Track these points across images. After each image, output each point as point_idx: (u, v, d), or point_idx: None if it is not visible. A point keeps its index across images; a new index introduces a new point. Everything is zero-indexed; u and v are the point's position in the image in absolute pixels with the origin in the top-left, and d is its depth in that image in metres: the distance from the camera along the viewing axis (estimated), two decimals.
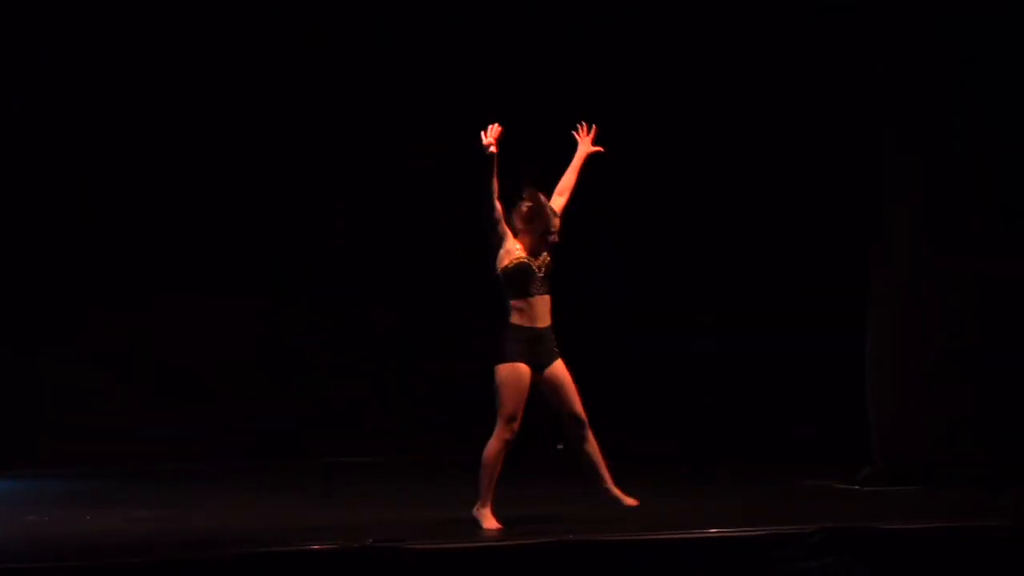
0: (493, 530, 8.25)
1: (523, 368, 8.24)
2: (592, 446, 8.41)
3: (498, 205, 8.19)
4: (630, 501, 8.43)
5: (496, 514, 8.28)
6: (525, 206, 8.26)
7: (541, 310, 8.24)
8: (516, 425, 8.26)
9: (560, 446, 11.35)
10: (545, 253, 8.25)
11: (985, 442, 10.26)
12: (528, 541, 7.67)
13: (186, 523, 9.08)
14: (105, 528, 8.98)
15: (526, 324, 8.22)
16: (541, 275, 8.20)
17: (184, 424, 12.25)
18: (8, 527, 9.07)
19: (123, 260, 12.33)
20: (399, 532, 8.04)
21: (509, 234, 8.27)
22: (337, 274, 12.64)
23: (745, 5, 11.89)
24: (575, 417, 8.36)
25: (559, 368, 8.32)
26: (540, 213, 8.25)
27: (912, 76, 10.71)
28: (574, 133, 8.57)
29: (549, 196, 8.40)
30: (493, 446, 8.28)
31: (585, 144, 8.55)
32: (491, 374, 8.22)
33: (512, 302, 8.24)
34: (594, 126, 8.61)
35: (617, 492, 8.42)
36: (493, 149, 8.09)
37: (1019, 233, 10.46)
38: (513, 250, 8.30)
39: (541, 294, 8.23)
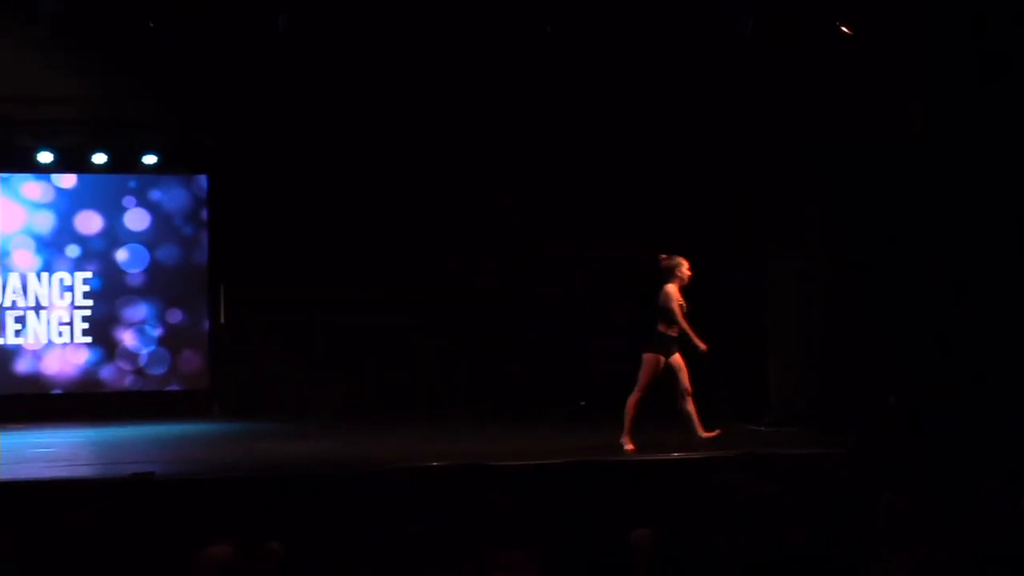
0: (631, 451, 8.92)
1: (661, 358, 9.12)
2: (688, 407, 9.05)
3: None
4: (708, 434, 8.98)
5: (633, 440, 8.97)
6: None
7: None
8: (647, 388, 9.09)
9: (583, 403, 11.89)
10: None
11: (839, 398, 10.40)
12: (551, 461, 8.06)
13: (353, 450, 9.61)
14: (307, 452, 9.54)
15: (670, 333, 9.13)
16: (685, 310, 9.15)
17: (337, 383, 12.11)
18: (248, 451, 9.76)
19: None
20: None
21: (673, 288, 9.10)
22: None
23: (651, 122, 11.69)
24: (681, 388, 9.09)
25: (677, 358, 9.14)
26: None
27: (789, 187, 11.01)
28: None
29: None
30: (633, 398, 9.12)
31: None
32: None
33: (665, 320, 9.10)
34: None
35: (703, 435, 9.01)
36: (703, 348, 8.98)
37: (860, 267, 10.73)
38: (674, 295, 9.09)
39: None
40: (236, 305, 12.43)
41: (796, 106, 10.68)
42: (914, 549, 4.73)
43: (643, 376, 9.17)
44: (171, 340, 12.76)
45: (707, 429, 9.15)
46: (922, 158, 10.39)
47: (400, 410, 11.84)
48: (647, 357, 9.17)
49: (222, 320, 12.49)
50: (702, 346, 9.07)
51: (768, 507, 4.93)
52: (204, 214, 12.79)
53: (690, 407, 9.12)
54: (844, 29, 10.01)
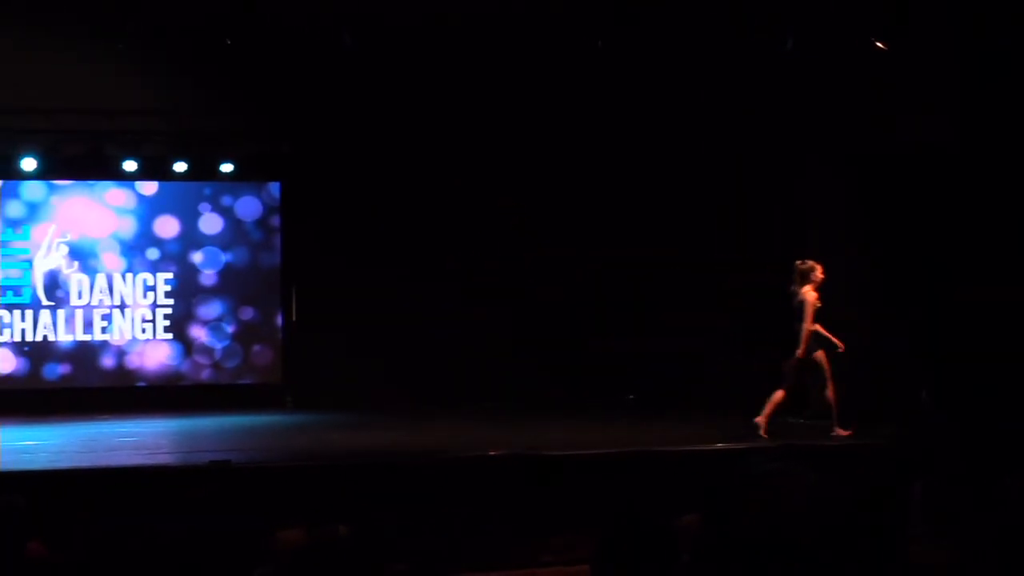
0: (847, 435, 9.12)
1: (820, 352, 9.31)
2: (777, 397, 9.27)
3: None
4: (843, 432, 9.20)
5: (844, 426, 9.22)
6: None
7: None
8: (832, 377, 9.31)
9: (632, 396, 11.93)
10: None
11: (874, 393, 10.40)
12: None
13: (416, 440, 9.76)
14: (372, 441, 9.73)
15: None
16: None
17: (401, 377, 12.04)
18: (317, 440, 9.95)
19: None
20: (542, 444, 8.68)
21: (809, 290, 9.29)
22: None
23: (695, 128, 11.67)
24: (788, 383, 9.32)
25: (819, 354, 9.38)
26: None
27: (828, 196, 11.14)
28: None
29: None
30: (828, 392, 9.32)
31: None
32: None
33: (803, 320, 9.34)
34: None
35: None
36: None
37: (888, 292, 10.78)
38: (811, 298, 9.28)
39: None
40: (306, 304, 12.69)
41: (813, 109, 10.85)
42: (946, 538, 4.67)
43: (820, 373, 9.34)
44: (244, 336, 13.03)
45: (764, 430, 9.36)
46: (949, 164, 10.39)
47: (458, 403, 12.02)
48: (811, 357, 9.35)
49: (293, 318, 12.72)
50: (800, 353, 9.19)
51: (807, 495, 4.46)
52: (275, 219, 13.08)
53: (778, 399, 9.27)
54: (879, 45, 10.18)
